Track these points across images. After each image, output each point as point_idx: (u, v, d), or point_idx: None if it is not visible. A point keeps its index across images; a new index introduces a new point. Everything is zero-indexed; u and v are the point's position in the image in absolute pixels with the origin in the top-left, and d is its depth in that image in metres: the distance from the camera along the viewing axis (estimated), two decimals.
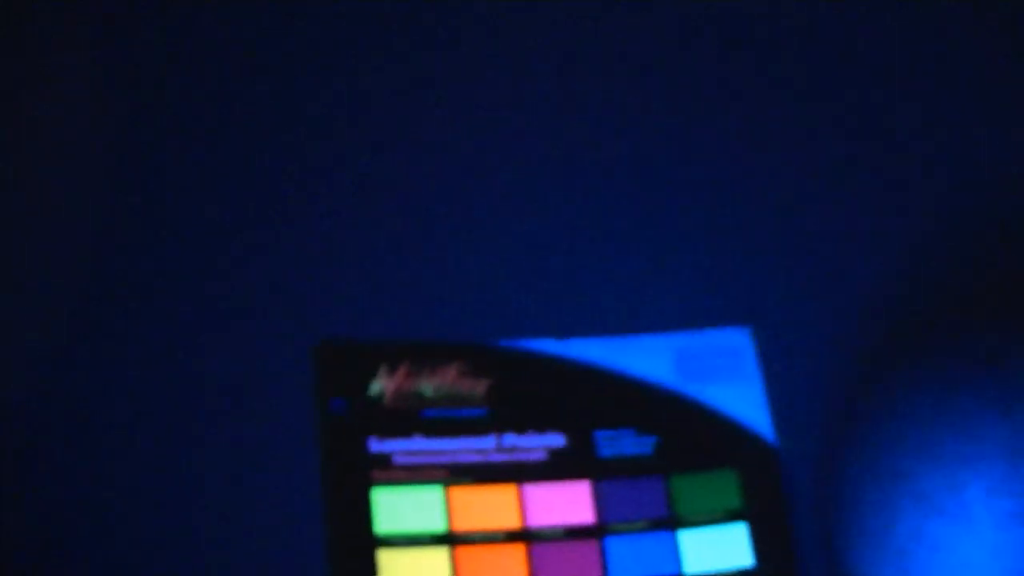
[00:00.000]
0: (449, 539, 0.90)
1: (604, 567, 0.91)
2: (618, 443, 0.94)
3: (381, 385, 0.92)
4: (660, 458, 0.94)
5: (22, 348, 0.87)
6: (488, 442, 0.93)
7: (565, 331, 0.97)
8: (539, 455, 0.93)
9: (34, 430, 0.86)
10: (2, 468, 0.85)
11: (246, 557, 0.87)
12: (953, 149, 1.03)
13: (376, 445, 0.91)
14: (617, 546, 0.91)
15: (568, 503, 0.92)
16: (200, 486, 0.87)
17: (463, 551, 0.89)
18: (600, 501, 0.92)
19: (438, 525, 0.90)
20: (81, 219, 0.91)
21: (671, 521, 0.93)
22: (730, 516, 0.93)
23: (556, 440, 0.93)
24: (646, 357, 0.96)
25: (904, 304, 0.98)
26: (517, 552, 0.90)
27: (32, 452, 0.85)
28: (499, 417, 0.93)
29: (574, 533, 0.91)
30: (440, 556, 0.89)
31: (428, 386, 0.93)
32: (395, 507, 0.89)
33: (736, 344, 0.98)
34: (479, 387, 0.93)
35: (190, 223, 0.93)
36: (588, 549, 0.91)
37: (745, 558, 0.92)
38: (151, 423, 0.88)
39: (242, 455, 0.89)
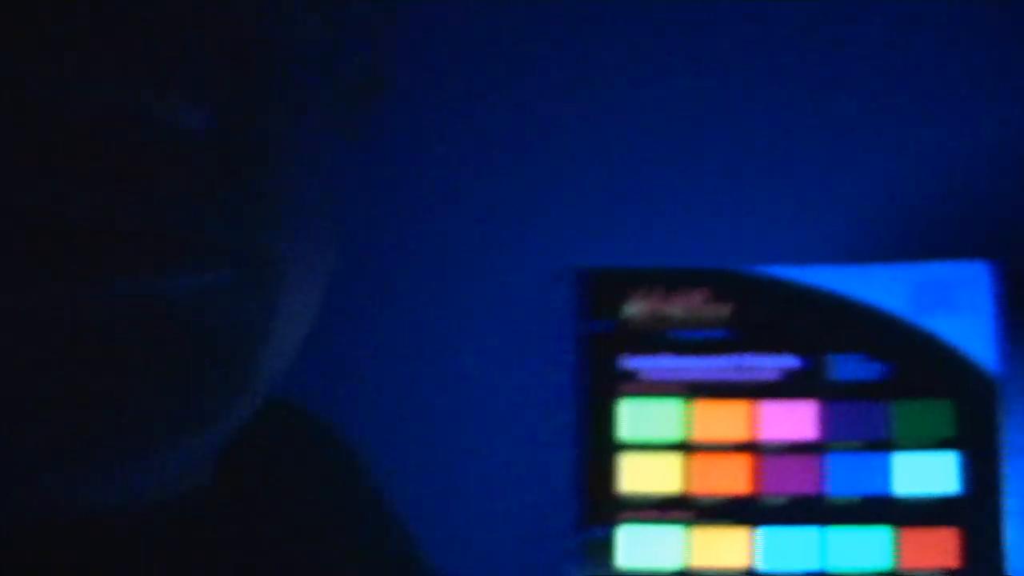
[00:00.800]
0: (684, 447, 1.04)
1: (821, 481, 1.03)
2: (849, 367, 1.03)
3: (635, 308, 1.04)
4: (886, 384, 1.03)
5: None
6: (728, 362, 1.04)
7: (809, 258, 1.05)
8: (774, 375, 1.04)
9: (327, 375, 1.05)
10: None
11: (508, 454, 1.04)
12: None
13: (626, 362, 1.04)
14: (836, 462, 1.03)
15: (796, 420, 1.04)
16: (474, 396, 1.05)
17: (696, 458, 1.03)
18: (825, 420, 1.03)
19: (675, 434, 1.04)
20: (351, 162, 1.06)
21: (888, 444, 1.03)
22: (943, 444, 1.02)
23: (791, 362, 1.04)
24: (884, 286, 1.04)
25: None
26: (744, 462, 1.03)
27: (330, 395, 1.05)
28: (740, 339, 1.04)
29: (798, 448, 1.03)
30: (674, 461, 1.03)
31: (677, 309, 1.04)
32: (638, 417, 1.04)
33: (974, 277, 1.03)
34: (723, 311, 1.04)
35: (470, 177, 1.06)
36: (810, 463, 1.03)
37: (952, 485, 1.01)
38: (441, 340, 1.05)
39: (510, 368, 1.05)
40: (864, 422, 1.03)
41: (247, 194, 0.48)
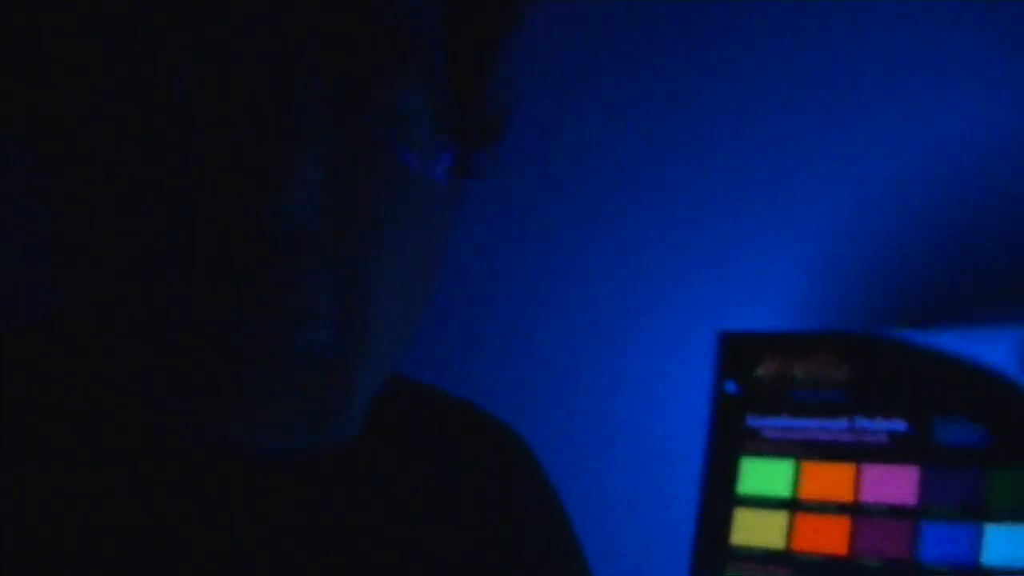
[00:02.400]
0: (791, 505, 1.05)
1: (914, 546, 0.99)
2: (952, 430, 0.99)
3: (764, 368, 1.08)
4: (986, 449, 0.97)
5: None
6: (841, 424, 1.04)
7: (927, 321, 1.03)
8: (882, 438, 1.02)
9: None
10: None
11: (636, 495, 1.12)
12: None
13: (752, 421, 1.08)
14: (930, 530, 0.99)
15: (896, 485, 1.01)
16: (616, 441, 1.14)
17: (800, 517, 1.04)
18: (924, 486, 1.00)
19: (785, 492, 1.05)
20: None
21: (982, 513, 0.97)
22: None
23: (899, 426, 1.02)
24: (995, 349, 0.99)
25: None
26: (843, 524, 1.02)
27: None
28: (854, 401, 1.04)
29: (895, 512, 1.00)
30: (780, 519, 1.05)
31: (801, 370, 1.07)
32: (755, 473, 1.07)
33: None
34: (842, 372, 1.05)
35: (620, 242, 1.17)
36: (904, 528, 1.00)
37: None
38: (597, 394, 1.16)
39: (651, 418, 1.13)
40: (961, 489, 0.98)
41: (350, 264, 0.60)
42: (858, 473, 1.04)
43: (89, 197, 0.59)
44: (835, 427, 1.06)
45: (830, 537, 1.04)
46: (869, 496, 1.03)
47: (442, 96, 0.64)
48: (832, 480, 1.05)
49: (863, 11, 1.10)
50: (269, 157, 0.56)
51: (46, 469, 0.61)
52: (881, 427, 1.04)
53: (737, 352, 1.12)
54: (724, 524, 1.08)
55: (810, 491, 1.06)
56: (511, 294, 1.24)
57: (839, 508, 1.04)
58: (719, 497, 1.09)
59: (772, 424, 1.09)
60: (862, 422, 1.05)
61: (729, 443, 1.10)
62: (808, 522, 1.05)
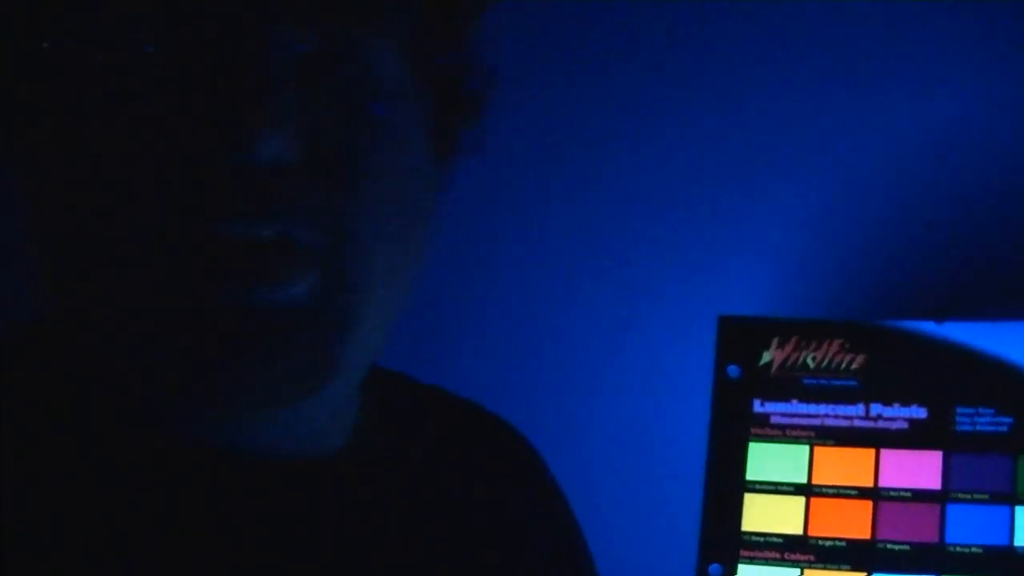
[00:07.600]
0: (807, 490, 1.06)
1: (942, 529, 1.01)
2: (976, 420, 1.03)
3: (771, 355, 1.09)
4: (1013, 438, 1.01)
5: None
6: (856, 410, 1.06)
7: (941, 313, 1.06)
8: (900, 425, 1.05)
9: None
10: None
11: (640, 483, 1.11)
12: None
13: (759, 406, 1.09)
14: (956, 512, 1.01)
15: (919, 469, 1.04)
16: (616, 428, 1.13)
17: (817, 501, 1.05)
18: (948, 471, 1.03)
19: (800, 477, 1.06)
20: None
21: (1012, 497, 1.00)
22: None
23: (918, 413, 1.04)
24: (1014, 342, 1.03)
25: None
26: (864, 507, 1.04)
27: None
28: (869, 388, 1.06)
29: (919, 496, 1.03)
30: (796, 504, 1.06)
31: (811, 357, 1.08)
32: (765, 459, 1.07)
33: None
34: (855, 361, 1.07)
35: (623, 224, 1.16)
36: (929, 512, 1.02)
37: None
38: (597, 377, 1.15)
39: (653, 404, 1.12)
40: (988, 474, 1.02)
41: (333, 209, 0.59)
42: (877, 458, 1.06)
43: (62, 179, 0.59)
44: (850, 412, 1.07)
45: (851, 521, 1.05)
46: (890, 480, 1.05)
47: (418, 62, 0.65)
48: (849, 465, 1.06)
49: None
50: (240, 111, 0.56)
51: (44, 472, 0.60)
52: (899, 414, 1.06)
53: (740, 337, 1.11)
54: (734, 511, 1.08)
55: (825, 476, 1.06)
56: (502, 285, 1.20)
57: (859, 492, 1.05)
58: (726, 484, 1.08)
59: (782, 409, 1.09)
60: (878, 408, 1.06)
61: (734, 428, 1.09)
62: (825, 506, 1.06)
